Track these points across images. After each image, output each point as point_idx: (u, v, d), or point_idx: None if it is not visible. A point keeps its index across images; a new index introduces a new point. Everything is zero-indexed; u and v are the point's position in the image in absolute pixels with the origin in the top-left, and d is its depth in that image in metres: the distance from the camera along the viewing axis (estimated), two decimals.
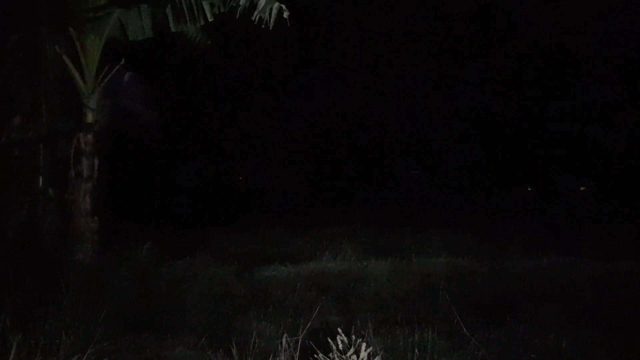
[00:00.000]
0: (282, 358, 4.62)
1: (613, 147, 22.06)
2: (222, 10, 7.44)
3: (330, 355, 4.23)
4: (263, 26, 6.98)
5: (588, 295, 7.12)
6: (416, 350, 4.87)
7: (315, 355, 4.36)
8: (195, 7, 7.49)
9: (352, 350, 4.17)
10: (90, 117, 8.08)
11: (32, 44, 8.44)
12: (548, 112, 23.51)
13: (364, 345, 4.17)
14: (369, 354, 4.16)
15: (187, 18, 7.58)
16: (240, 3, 7.05)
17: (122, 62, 8.29)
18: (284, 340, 4.71)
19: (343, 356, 4.17)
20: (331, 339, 4.30)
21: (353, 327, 5.22)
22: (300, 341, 4.72)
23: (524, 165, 25.03)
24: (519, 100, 23.41)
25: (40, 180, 8.43)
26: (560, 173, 24.88)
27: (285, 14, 6.84)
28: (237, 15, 7.12)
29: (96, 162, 8.11)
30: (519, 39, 21.89)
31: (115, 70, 8.23)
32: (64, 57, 7.93)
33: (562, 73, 22.90)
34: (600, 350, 5.20)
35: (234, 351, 4.76)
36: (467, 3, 22.02)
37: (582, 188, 25.70)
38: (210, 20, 7.49)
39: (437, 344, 5.18)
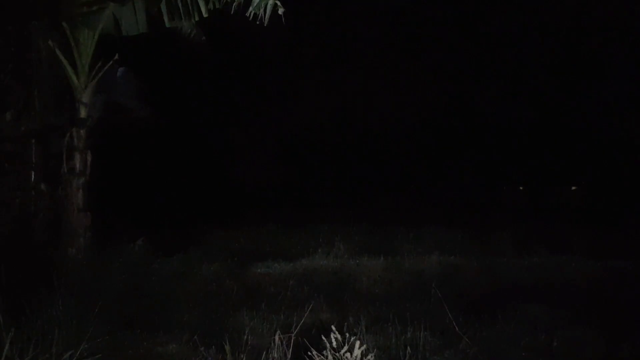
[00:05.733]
0: (275, 355, 4.63)
1: (605, 147, 22.18)
2: (216, 6, 7.42)
3: (324, 352, 4.25)
4: (257, 23, 6.96)
5: (579, 294, 7.18)
6: (408, 348, 4.90)
7: (309, 353, 4.37)
8: (189, 3, 7.46)
9: (345, 347, 4.19)
10: (83, 112, 8.03)
11: (24, 38, 8.38)
12: (540, 111, 23.59)
13: (357, 343, 4.19)
14: (362, 352, 4.18)
15: (182, 14, 7.54)
16: None
17: (116, 57, 8.25)
18: (276, 337, 4.72)
19: (337, 354, 4.19)
20: (324, 336, 4.31)
21: (346, 324, 5.25)
22: (293, 338, 4.74)
23: (516, 164, 25.12)
24: (510, 99, 23.49)
25: (32, 175, 8.38)
26: (552, 172, 24.99)
27: (280, 11, 6.82)
28: (232, 11, 7.10)
29: (89, 157, 8.07)
30: (510, 37, 21.98)
31: (108, 65, 8.18)
32: (57, 52, 7.88)
33: (554, 73, 23.00)
34: (591, 349, 5.24)
35: (227, 348, 4.77)
36: (465, 2, 22.10)
37: (573, 187, 25.82)
38: (204, 16, 7.46)
39: (429, 341, 5.21)
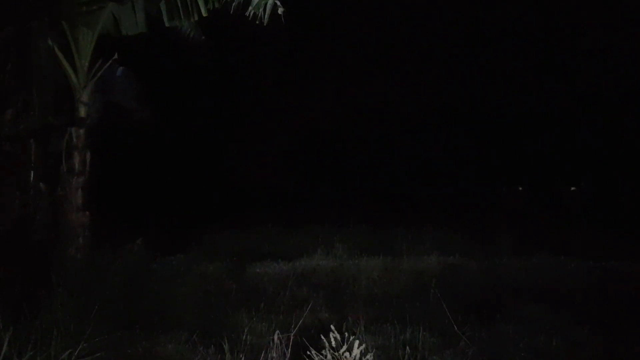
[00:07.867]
0: (274, 354, 4.63)
1: (604, 148, 22.20)
2: (216, 5, 7.42)
3: (323, 352, 4.25)
4: (257, 22, 6.96)
5: (578, 295, 7.18)
6: (407, 348, 4.90)
7: (308, 352, 4.37)
8: (189, 3, 7.47)
9: (344, 347, 4.19)
10: (82, 112, 8.03)
11: (24, 38, 8.37)
12: (539, 111, 23.59)
13: (356, 342, 4.18)
14: (361, 351, 4.18)
15: (181, 13, 7.55)
16: None
17: (115, 56, 8.25)
18: (275, 337, 4.72)
19: (336, 353, 4.18)
20: (323, 336, 4.31)
21: (345, 324, 5.25)
22: (292, 338, 4.74)
23: (515, 164, 25.12)
24: (510, 99, 23.48)
25: (32, 175, 8.37)
26: (551, 173, 24.99)
27: (280, 10, 6.82)
28: (231, 11, 7.10)
29: (88, 157, 8.06)
30: (508, 36, 21.98)
31: (108, 65, 8.18)
32: (57, 51, 7.88)
33: (553, 72, 23.01)
34: (589, 350, 5.24)
35: (226, 347, 4.77)
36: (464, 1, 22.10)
37: (572, 188, 25.82)
38: (204, 15, 7.47)
39: (428, 341, 5.21)
